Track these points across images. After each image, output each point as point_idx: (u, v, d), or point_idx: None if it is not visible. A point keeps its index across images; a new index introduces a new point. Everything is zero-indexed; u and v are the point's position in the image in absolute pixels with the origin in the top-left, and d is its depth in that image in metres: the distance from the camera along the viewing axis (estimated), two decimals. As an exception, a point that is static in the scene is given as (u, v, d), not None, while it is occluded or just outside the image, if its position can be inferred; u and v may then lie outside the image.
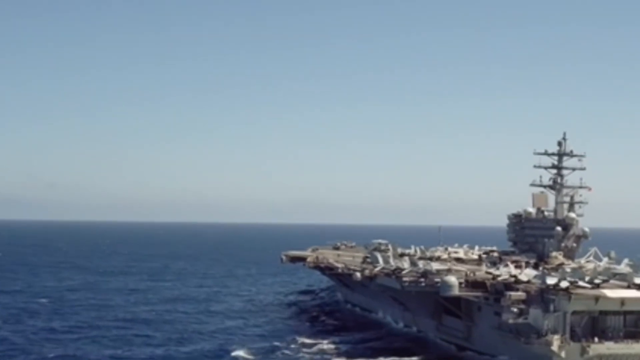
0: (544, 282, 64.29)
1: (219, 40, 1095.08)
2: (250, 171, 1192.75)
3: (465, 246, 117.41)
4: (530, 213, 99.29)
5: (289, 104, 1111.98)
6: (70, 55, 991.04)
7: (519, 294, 66.10)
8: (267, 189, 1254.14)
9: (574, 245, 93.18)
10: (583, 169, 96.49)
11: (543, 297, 64.79)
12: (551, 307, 62.77)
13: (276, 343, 76.89)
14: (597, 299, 63.20)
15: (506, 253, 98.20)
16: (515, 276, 69.83)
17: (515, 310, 64.10)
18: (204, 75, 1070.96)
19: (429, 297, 78.18)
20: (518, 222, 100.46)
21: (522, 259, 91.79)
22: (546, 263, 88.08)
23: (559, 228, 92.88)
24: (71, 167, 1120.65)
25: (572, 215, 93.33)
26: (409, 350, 76.29)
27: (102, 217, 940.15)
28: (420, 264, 78.87)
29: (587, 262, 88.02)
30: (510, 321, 63.81)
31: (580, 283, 63.47)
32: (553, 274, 67.44)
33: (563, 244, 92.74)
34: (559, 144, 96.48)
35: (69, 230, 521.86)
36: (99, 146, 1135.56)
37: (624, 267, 74.66)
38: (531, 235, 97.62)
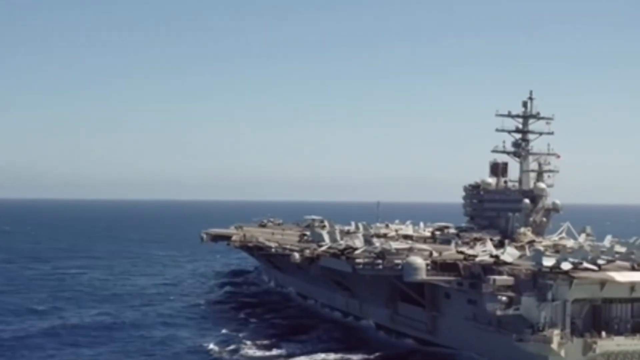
0: (538, 263, 51.57)
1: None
2: (159, 146, 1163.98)
3: (408, 222, 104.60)
4: (489, 184, 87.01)
5: (210, 80, 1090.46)
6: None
7: (506, 279, 53.43)
8: (177, 164, 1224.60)
9: (544, 219, 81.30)
10: (551, 133, 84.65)
11: (536, 282, 52.30)
12: (549, 295, 50.14)
13: (203, 344, 62.51)
14: (603, 283, 51.25)
15: (463, 230, 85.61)
16: (496, 256, 57.06)
17: (504, 299, 51.17)
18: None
19: (381, 281, 65.08)
20: (476, 194, 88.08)
21: (484, 235, 79.42)
22: (513, 240, 75.65)
23: (526, 200, 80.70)
24: None
25: (542, 185, 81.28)
26: (355, 345, 63.79)
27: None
28: (377, 242, 65.17)
29: (561, 238, 76.34)
30: (499, 312, 50.84)
31: (585, 265, 50.93)
32: (548, 253, 54.54)
33: (531, 219, 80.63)
34: (524, 104, 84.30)
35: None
36: None
37: (618, 246, 62.83)
38: (492, 209, 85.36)
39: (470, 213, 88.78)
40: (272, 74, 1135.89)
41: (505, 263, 56.48)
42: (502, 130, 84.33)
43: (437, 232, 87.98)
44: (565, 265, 49.98)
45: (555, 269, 50.89)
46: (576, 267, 50.71)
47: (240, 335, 65.48)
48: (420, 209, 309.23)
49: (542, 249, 67.97)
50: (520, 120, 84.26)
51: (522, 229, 78.67)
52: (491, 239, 76.83)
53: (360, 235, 69.20)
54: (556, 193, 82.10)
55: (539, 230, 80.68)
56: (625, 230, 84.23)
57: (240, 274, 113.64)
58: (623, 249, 59.61)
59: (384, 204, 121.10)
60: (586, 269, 51.54)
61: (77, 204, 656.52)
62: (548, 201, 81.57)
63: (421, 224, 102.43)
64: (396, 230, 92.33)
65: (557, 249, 69.78)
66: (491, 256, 57.49)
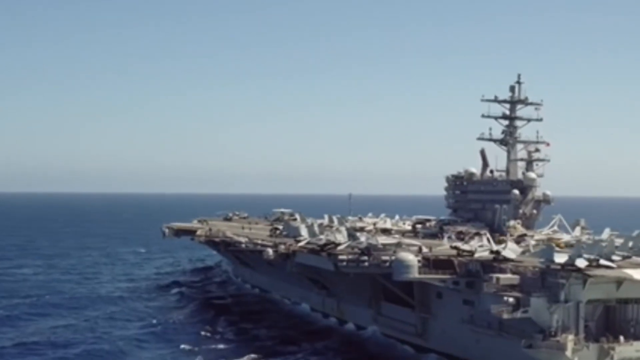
0: (548, 259, 46.01)
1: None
2: (115, 137, 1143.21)
3: (382, 215, 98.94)
4: (473, 174, 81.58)
5: (176, 72, 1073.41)
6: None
7: (510, 277, 47.83)
8: (136, 156, 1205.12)
9: (534, 212, 75.99)
10: (540, 119, 79.51)
11: (545, 281, 46.74)
12: (561, 296, 44.64)
13: (164, 351, 55.86)
14: (619, 283, 45.88)
15: (446, 223, 79.97)
16: (497, 252, 51.36)
17: (510, 300, 45.54)
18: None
19: (363, 278, 59.25)
20: (459, 184, 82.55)
21: (470, 229, 74.04)
22: (502, 234, 70.18)
23: (515, 191, 75.30)
24: None
25: (532, 175, 75.91)
26: (333, 347, 59.04)
27: None
28: (362, 237, 59.10)
29: (554, 232, 71.16)
30: (506, 316, 45.20)
31: (602, 261, 45.49)
32: (561, 250, 48.87)
33: (520, 211, 75.25)
34: (512, 89, 78.92)
35: None
36: None
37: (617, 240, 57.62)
38: (477, 200, 79.92)
39: (452, 205, 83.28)
40: (240, 67, 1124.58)
41: (507, 260, 50.93)
42: (488, 117, 78.99)
43: (418, 226, 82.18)
44: (581, 262, 44.54)
45: (568, 266, 45.43)
46: (592, 264, 45.21)
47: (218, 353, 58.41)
48: (395, 202, 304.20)
49: (533, 242, 63.03)
50: (508, 106, 78.91)
51: (512, 222, 73.35)
52: (477, 233, 71.86)
53: (343, 229, 62.97)
54: (546, 183, 76.97)
55: (528, 224, 75.44)
56: (613, 222, 78.78)
57: (207, 272, 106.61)
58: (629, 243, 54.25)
59: (355, 197, 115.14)
60: (600, 266, 46.12)
61: (31, 197, 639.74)
62: (538, 192, 76.32)
63: (397, 217, 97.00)
64: (374, 224, 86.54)
65: (552, 243, 64.45)
66: (491, 252, 51.82)
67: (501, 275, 47.88)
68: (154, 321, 67.91)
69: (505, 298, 45.84)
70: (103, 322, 67.10)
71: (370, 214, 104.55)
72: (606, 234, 64.90)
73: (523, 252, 52.41)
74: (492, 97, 78.62)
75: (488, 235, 59.76)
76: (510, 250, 51.01)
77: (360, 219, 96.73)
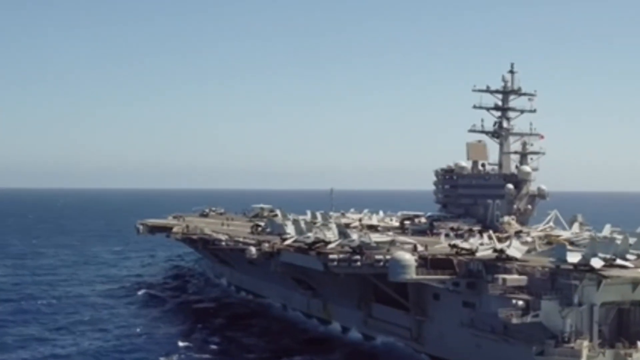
0: (560, 259, 42.53)
1: None
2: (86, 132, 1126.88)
3: (365, 211, 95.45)
4: (463, 167, 78.00)
5: (149, 68, 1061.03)
6: None
7: (518, 278, 44.29)
8: (108, 151, 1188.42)
9: (528, 207, 72.56)
10: (533, 111, 76.15)
11: (554, 282, 43.26)
12: (575, 298, 41.18)
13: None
14: (635, 284, 42.58)
15: (436, 219, 76.45)
16: (501, 251, 47.77)
17: (520, 303, 41.98)
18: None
19: (353, 278, 55.53)
20: (449, 179, 78.94)
21: (461, 225, 70.65)
22: (496, 231, 66.62)
23: (510, 185, 71.86)
24: None
25: (527, 168, 72.49)
26: (320, 353, 55.11)
27: None
28: (354, 234, 55.25)
29: (550, 228, 67.85)
30: (515, 320, 41.62)
31: (619, 261, 42.10)
32: (575, 246, 45.34)
33: (515, 206, 71.82)
34: (504, 79, 75.48)
35: None
36: None
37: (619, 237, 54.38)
38: (468, 195, 76.35)
39: (442, 200, 79.62)
40: (216, 61, 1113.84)
41: (511, 259, 47.40)
42: (480, 108, 75.49)
43: (407, 222, 78.56)
44: (596, 262, 41.09)
45: (581, 267, 41.99)
46: (609, 263, 41.83)
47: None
48: (376, 197, 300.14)
49: (530, 239, 59.74)
50: (500, 96, 75.47)
51: (506, 218, 70.03)
52: (470, 229, 68.53)
53: (333, 226, 59.08)
54: (541, 178, 73.65)
55: (522, 219, 72.16)
56: (609, 218, 75.70)
57: (184, 271, 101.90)
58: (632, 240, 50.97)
59: (337, 192, 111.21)
60: (614, 266, 42.79)
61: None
62: (533, 186, 72.96)
63: (380, 213, 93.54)
64: (359, 220, 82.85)
65: (550, 240, 61.19)
66: (494, 250, 48.22)
67: (508, 276, 44.47)
68: (128, 330, 62.57)
69: (514, 301, 42.30)
70: (71, 332, 61.77)
71: (352, 210, 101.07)
72: (607, 230, 61.83)
73: (529, 251, 48.90)
74: (484, 87, 75.25)
75: (490, 232, 56.18)
76: (515, 248, 47.42)
77: (343, 215, 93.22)
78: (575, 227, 66.32)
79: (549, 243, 59.07)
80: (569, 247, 43.80)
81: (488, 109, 75.56)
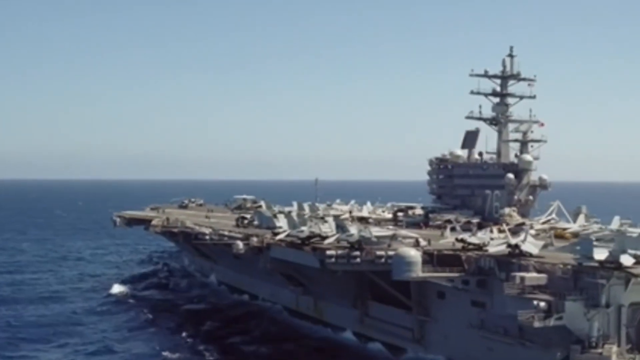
0: (585, 256, 38.75)
1: None
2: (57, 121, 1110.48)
3: (352, 202, 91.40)
4: (458, 156, 74.28)
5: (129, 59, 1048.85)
6: None
7: (537, 276, 40.46)
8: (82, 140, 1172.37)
9: (530, 198, 68.93)
10: (533, 97, 72.49)
11: (577, 281, 39.51)
12: (602, 299, 37.47)
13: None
14: (665, 283, 38.88)
15: (431, 210, 72.68)
16: (516, 246, 43.94)
17: (542, 304, 38.17)
18: None
19: (349, 274, 51.53)
20: (444, 168, 75.13)
21: (459, 217, 66.84)
22: (496, 223, 62.88)
23: (510, 175, 68.16)
24: None
25: (528, 157, 68.81)
26: (311, 354, 52.05)
27: None
28: (353, 229, 51.13)
29: (554, 220, 64.23)
30: (537, 324, 37.79)
31: (651, 258, 38.39)
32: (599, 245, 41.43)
33: (515, 197, 68.16)
34: (503, 63, 71.70)
35: None
36: None
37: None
38: (464, 185, 72.63)
39: (436, 191, 75.88)
40: (198, 52, 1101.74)
41: (525, 255, 43.60)
42: (478, 93, 71.76)
43: (400, 214, 74.61)
44: (626, 259, 37.35)
45: (608, 264, 38.27)
46: (637, 260, 38.18)
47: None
48: (363, 187, 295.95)
49: (533, 232, 55.97)
50: (499, 82, 71.73)
51: (507, 209, 66.35)
52: (469, 222, 64.83)
53: (330, 219, 54.96)
54: (542, 167, 70.04)
55: (523, 211, 68.58)
56: (614, 210, 72.27)
57: (164, 267, 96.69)
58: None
59: (321, 182, 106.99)
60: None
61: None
62: (534, 176, 69.36)
63: (368, 204, 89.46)
64: (350, 212, 78.86)
65: (557, 233, 57.52)
66: (508, 246, 44.39)
67: (527, 275, 40.58)
68: (105, 335, 57.61)
69: (535, 302, 38.47)
70: (39, 339, 56.35)
71: (338, 200, 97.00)
72: (616, 222, 58.29)
73: (545, 246, 45.15)
74: (482, 72, 71.49)
75: (503, 225, 52.39)
76: (531, 244, 43.61)
77: (330, 206, 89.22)
78: (581, 219, 62.71)
79: (556, 236, 55.51)
80: (595, 242, 39.91)
81: (486, 95, 71.88)
